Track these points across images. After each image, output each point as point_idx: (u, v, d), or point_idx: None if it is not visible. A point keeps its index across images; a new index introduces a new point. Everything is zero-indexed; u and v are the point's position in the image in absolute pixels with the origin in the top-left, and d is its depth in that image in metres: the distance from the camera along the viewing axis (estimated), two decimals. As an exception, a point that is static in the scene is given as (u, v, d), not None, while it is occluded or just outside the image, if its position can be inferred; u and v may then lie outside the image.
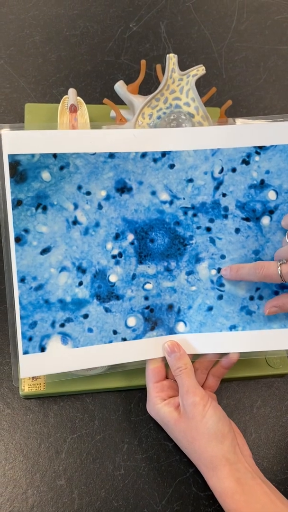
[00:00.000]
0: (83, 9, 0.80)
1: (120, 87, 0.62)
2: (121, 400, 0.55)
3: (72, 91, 0.62)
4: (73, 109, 0.62)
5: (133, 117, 0.60)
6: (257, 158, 0.52)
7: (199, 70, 0.58)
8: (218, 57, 0.79)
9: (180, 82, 0.58)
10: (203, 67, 0.58)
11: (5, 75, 0.72)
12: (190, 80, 0.58)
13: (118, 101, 0.62)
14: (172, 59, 0.58)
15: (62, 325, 0.48)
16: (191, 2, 0.84)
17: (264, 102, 0.76)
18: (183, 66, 0.59)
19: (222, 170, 0.52)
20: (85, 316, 0.49)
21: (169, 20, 0.81)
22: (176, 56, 0.58)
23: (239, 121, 0.58)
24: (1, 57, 0.73)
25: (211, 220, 0.52)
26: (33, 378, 0.53)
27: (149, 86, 0.74)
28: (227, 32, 0.82)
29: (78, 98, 0.63)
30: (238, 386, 0.57)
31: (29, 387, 0.52)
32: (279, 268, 0.48)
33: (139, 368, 0.53)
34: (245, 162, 0.52)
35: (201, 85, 0.75)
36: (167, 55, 0.57)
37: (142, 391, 0.55)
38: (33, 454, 0.51)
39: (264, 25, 0.83)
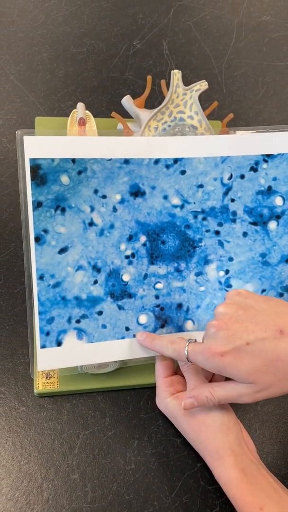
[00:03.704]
0: (89, 28, 0.84)
1: (127, 101, 0.65)
2: (131, 398, 0.57)
3: (80, 105, 0.65)
4: (82, 122, 0.65)
5: (139, 130, 0.63)
6: (265, 165, 0.55)
7: (202, 85, 0.61)
8: (219, 73, 0.83)
9: (184, 96, 0.61)
10: (206, 82, 0.61)
11: (15, 90, 0.75)
12: (193, 95, 0.61)
13: (124, 114, 0.65)
14: (176, 75, 0.61)
15: (78, 321, 0.51)
16: (191, 21, 0.88)
17: (263, 115, 0.79)
18: (185, 81, 0.62)
19: (231, 177, 0.55)
20: (100, 313, 0.51)
21: (171, 38, 0.85)
22: (180, 72, 0.61)
23: (239, 132, 0.61)
24: (12, 73, 0.77)
25: (220, 224, 0.55)
26: (47, 377, 0.55)
27: (153, 101, 0.77)
28: (226, 49, 0.85)
29: (87, 111, 0.66)
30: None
31: (43, 386, 0.54)
32: (187, 346, 0.48)
33: (148, 368, 0.55)
34: (253, 169, 0.55)
35: (203, 99, 0.77)
36: (172, 71, 0.60)
37: (151, 389, 0.57)
38: (48, 449, 0.53)
39: (262, 42, 0.87)
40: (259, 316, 0.46)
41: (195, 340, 0.49)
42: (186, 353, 0.47)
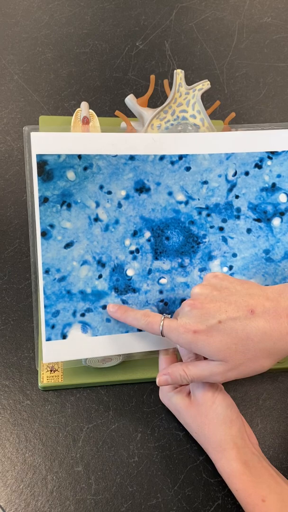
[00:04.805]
0: (92, 29, 0.85)
1: (130, 100, 0.66)
2: (134, 392, 0.58)
3: (84, 104, 0.66)
4: (86, 121, 0.65)
5: (142, 128, 0.64)
6: (269, 162, 0.55)
7: (205, 85, 0.62)
8: (220, 73, 0.84)
9: (187, 95, 0.62)
10: (208, 82, 0.62)
11: (19, 89, 0.76)
12: (196, 94, 0.62)
13: (127, 114, 0.66)
14: (179, 74, 0.62)
15: (83, 315, 0.52)
16: (193, 22, 0.89)
17: (264, 115, 0.80)
18: (187, 82, 0.62)
19: (235, 173, 0.55)
20: (104, 307, 0.52)
21: (173, 39, 0.86)
22: (183, 71, 0.62)
23: (240, 131, 0.62)
24: (16, 73, 0.78)
25: (224, 220, 0.55)
26: (51, 370, 0.56)
27: (155, 100, 0.78)
28: (228, 50, 0.86)
29: (90, 110, 0.66)
30: (244, 379, 0.60)
31: (47, 379, 0.55)
32: (162, 321, 0.49)
33: (151, 362, 0.56)
34: (258, 166, 0.55)
35: (204, 99, 0.79)
36: (175, 71, 0.61)
37: (154, 383, 0.57)
38: (52, 442, 0.54)
39: (263, 44, 0.88)
40: (233, 296, 0.47)
41: (170, 316, 0.50)
42: (161, 327, 0.48)
